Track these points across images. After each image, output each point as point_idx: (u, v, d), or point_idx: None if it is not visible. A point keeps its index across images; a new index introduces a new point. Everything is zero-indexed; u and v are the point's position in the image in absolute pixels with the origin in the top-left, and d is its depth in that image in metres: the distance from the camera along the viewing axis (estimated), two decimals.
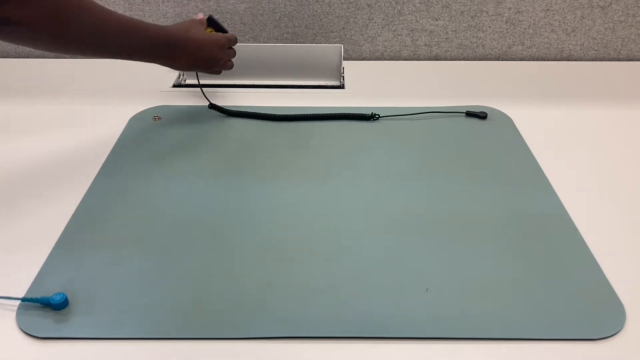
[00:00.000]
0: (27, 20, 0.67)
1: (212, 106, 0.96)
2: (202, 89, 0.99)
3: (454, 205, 0.74)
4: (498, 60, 1.20)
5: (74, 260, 0.65)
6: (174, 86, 1.07)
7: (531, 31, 1.17)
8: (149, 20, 1.16)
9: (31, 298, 0.59)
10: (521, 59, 1.20)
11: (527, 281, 0.63)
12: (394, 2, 1.14)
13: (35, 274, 0.63)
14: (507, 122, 0.94)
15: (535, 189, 0.77)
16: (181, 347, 0.56)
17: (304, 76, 1.11)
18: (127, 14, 1.03)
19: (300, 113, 0.95)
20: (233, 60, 0.95)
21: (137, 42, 0.80)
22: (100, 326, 0.57)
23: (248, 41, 1.19)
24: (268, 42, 1.19)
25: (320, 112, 0.95)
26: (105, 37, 0.76)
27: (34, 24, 0.68)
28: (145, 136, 0.90)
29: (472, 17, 1.16)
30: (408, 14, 1.16)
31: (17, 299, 0.59)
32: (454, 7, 1.15)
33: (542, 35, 1.18)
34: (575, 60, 1.20)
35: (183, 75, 1.09)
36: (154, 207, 0.74)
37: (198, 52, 0.88)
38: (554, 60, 1.20)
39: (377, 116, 0.94)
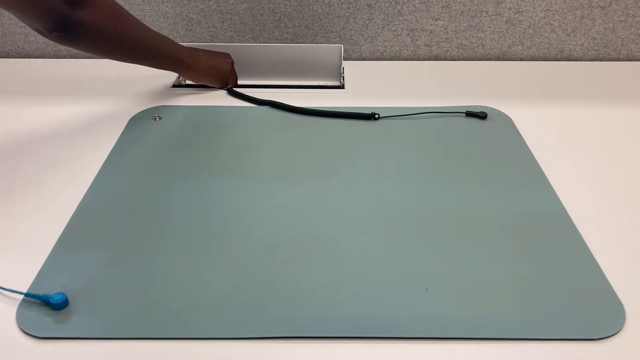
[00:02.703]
0: (93, 20, 0.80)
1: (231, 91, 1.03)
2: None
3: (453, 205, 0.74)
4: (498, 60, 1.20)
5: (74, 260, 0.65)
6: (174, 86, 1.07)
7: (531, 31, 1.17)
8: (148, 20, 1.16)
9: (34, 294, 0.59)
10: (521, 59, 1.20)
11: (527, 281, 0.63)
12: (394, 2, 1.14)
13: (35, 274, 0.63)
14: (507, 122, 0.94)
15: (535, 189, 0.77)
16: (181, 347, 0.56)
17: (304, 76, 1.11)
18: None
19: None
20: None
21: (163, 44, 0.93)
22: (100, 326, 0.57)
23: (248, 41, 1.19)
24: (268, 42, 1.19)
25: (321, 110, 0.95)
26: (138, 40, 0.89)
27: (99, 24, 0.81)
28: (145, 136, 0.90)
29: (472, 17, 1.16)
30: (408, 14, 1.16)
31: (21, 293, 0.60)
32: (454, 7, 1.15)
33: (542, 35, 1.18)
34: (575, 60, 1.20)
35: None
36: (154, 207, 0.74)
37: (211, 62, 1.01)
38: (554, 60, 1.20)
39: (377, 116, 0.94)
